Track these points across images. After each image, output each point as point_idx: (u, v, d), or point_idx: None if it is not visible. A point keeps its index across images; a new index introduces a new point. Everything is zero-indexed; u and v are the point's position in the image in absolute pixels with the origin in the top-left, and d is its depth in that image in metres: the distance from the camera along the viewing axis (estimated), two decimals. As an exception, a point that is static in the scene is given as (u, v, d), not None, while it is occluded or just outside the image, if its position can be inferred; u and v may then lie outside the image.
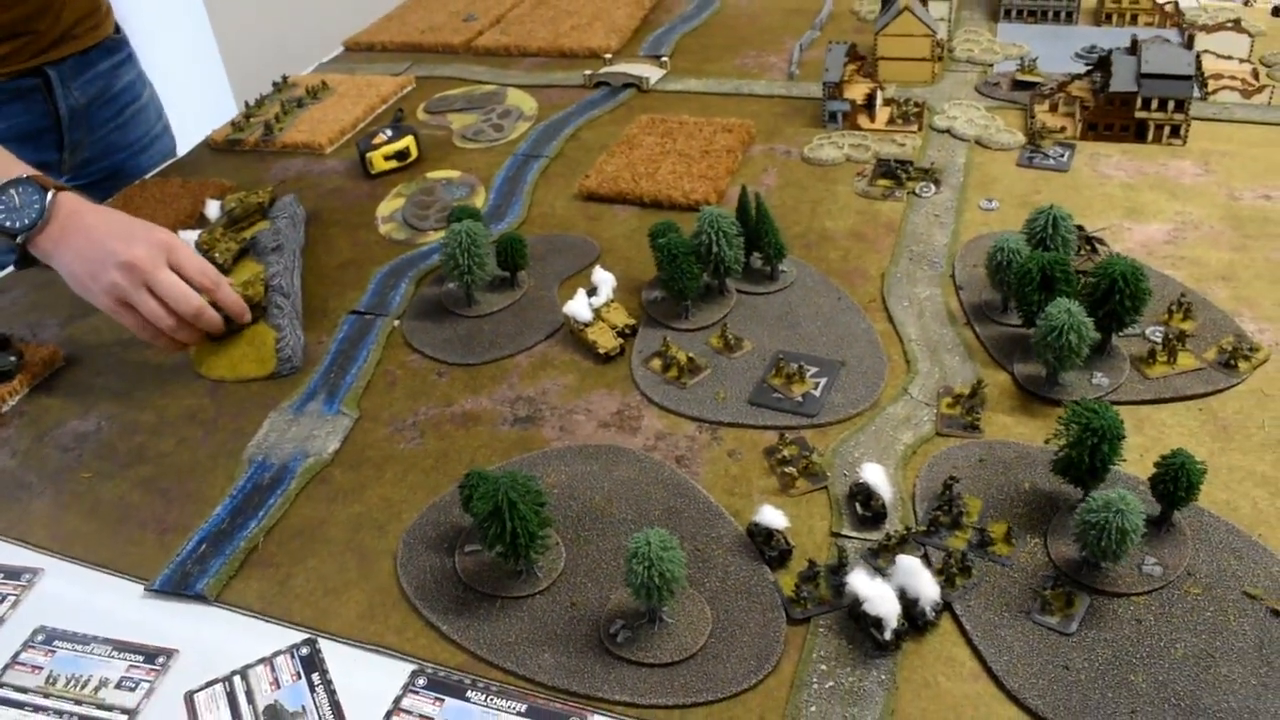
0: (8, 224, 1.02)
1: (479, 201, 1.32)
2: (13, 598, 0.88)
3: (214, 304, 1.05)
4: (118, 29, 1.58)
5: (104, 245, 1.01)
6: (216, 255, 1.16)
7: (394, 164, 1.39)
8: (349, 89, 1.61)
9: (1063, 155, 1.30)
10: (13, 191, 1.03)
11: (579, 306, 1.04)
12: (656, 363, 1.01)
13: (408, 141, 1.39)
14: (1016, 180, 1.27)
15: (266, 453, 0.97)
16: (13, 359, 1.09)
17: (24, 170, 1.05)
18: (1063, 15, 1.64)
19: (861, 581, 0.76)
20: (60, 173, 1.48)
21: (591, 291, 1.07)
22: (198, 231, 1.20)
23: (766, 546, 0.82)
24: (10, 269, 1.32)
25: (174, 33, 3.10)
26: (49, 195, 1.03)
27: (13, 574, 0.90)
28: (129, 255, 1.00)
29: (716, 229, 1.03)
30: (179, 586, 0.85)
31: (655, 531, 0.73)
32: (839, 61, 1.37)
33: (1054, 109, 1.39)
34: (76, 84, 1.46)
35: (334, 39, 1.85)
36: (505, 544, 0.77)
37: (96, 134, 1.52)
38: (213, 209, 1.26)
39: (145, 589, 0.86)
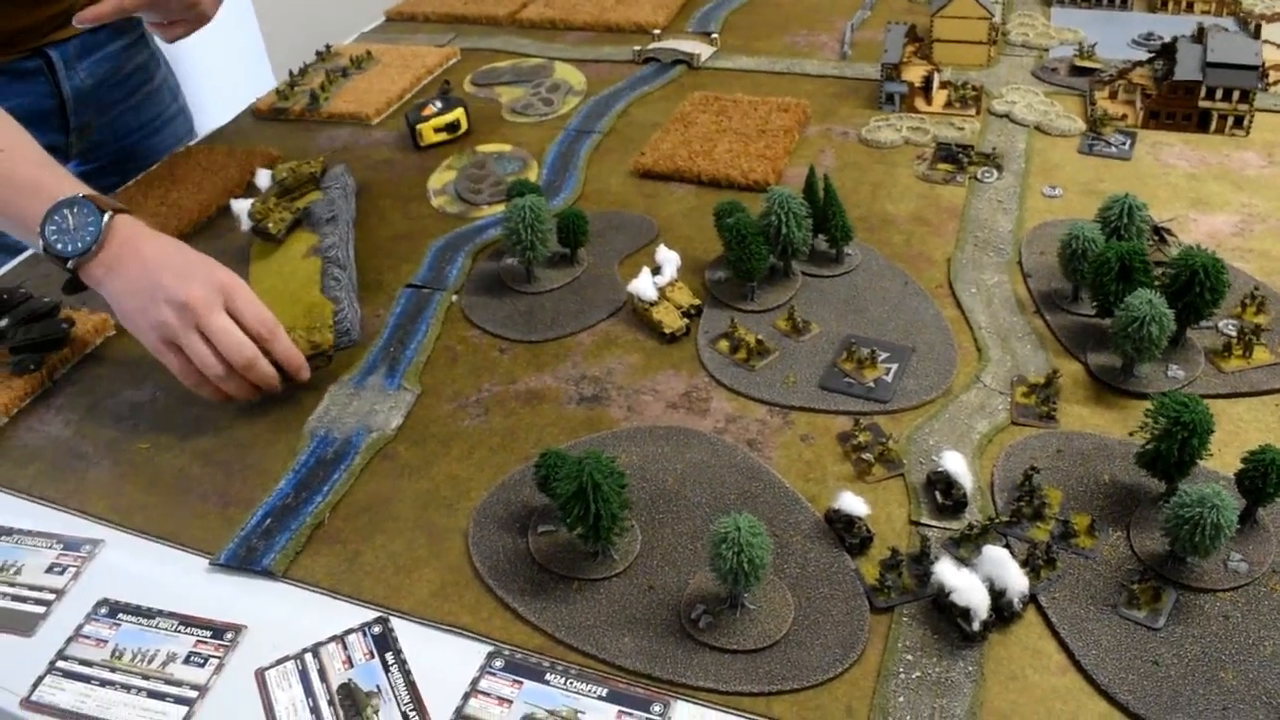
0: (59, 247, 0.95)
1: (532, 176, 1.30)
2: (74, 569, 0.87)
3: (270, 356, 0.96)
4: None
5: (158, 279, 0.93)
6: (270, 225, 1.14)
7: (444, 136, 1.37)
8: (393, 59, 1.59)
9: (1124, 143, 1.28)
10: (67, 212, 0.95)
11: (644, 285, 1.02)
12: (724, 344, 1.00)
13: (458, 114, 1.37)
14: (1079, 167, 1.25)
15: (328, 427, 0.96)
16: (64, 326, 1.07)
17: (80, 189, 0.97)
18: (1117, 1, 1.61)
19: (948, 571, 0.74)
20: (68, 156, 1.42)
21: (655, 270, 1.05)
22: (250, 200, 1.18)
23: (847, 534, 0.81)
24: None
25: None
26: (105, 218, 0.95)
27: (72, 545, 0.89)
28: (184, 294, 0.92)
29: (786, 210, 1.01)
30: (244, 561, 0.84)
31: (743, 517, 0.72)
32: (898, 42, 1.34)
33: (1113, 96, 1.37)
34: (83, 65, 1.40)
35: (375, 8, 1.83)
36: (587, 526, 0.76)
37: (106, 116, 1.45)
38: (263, 178, 1.24)
39: (210, 563, 0.85)
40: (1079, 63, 1.42)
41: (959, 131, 1.32)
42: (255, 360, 0.94)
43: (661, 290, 1.03)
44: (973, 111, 1.36)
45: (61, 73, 1.37)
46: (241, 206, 1.17)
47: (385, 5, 1.83)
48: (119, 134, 1.48)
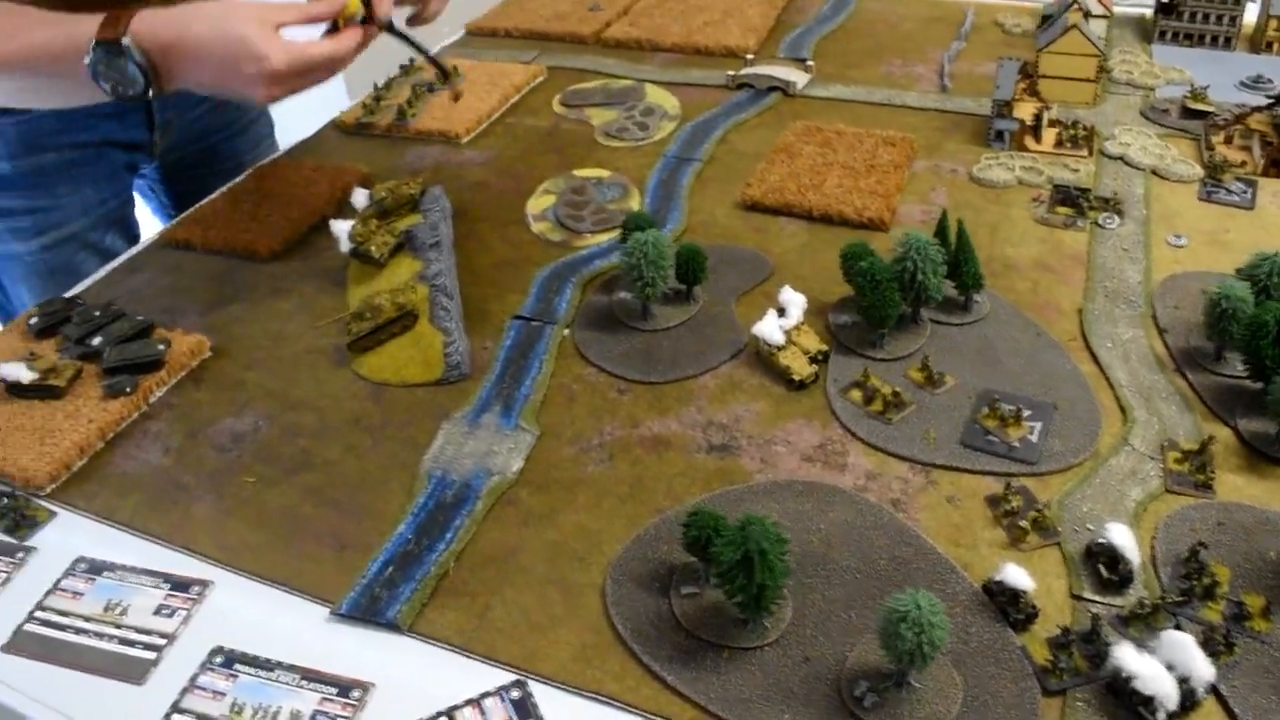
0: (125, 92, 1.00)
1: (634, 205, 1.26)
2: (183, 612, 0.82)
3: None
4: None
5: (231, 70, 0.98)
6: (373, 249, 1.10)
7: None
8: (479, 76, 1.55)
9: (1246, 191, 1.24)
10: (100, 68, 0.99)
11: (770, 329, 0.98)
12: (856, 394, 0.96)
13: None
14: (1200, 215, 1.21)
15: (445, 467, 0.91)
16: (160, 347, 1.03)
17: (89, 32, 0.99)
18: (1220, 40, 1.57)
19: (1129, 655, 0.70)
20: (152, 155, 1.39)
21: (780, 312, 1.01)
22: (350, 222, 1.14)
23: (1012, 608, 0.77)
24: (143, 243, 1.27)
25: None
26: (132, 58, 0.98)
27: (181, 585, 0.84)
28: (260, 80, 0.98)
29: (923, 255, 0.97)
30: (367, 613, 0.79)
31: (922, 594, 0.68)
32: (1011, 78, 1.30)
33: (1229, 141, 1.32)
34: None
35: (455, 21, 1.78)
36: (750, 596, 0.71)
37: (189, 114, 1.42)
38: (360, 197, 1.20)
39: (330, 612, 0.80)
40: (1191, 105, 1.38)
41: (1073, 173, 1.27)
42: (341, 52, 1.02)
43: (787, 334, 0.99)
44: (1084, 152, 1.32)
45: None
46: (341, 228, 1.13)
47: (465, 19, 1.79)
48: (202, 133, 1.45)
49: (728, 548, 0.71)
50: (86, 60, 0.99)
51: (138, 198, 1.48)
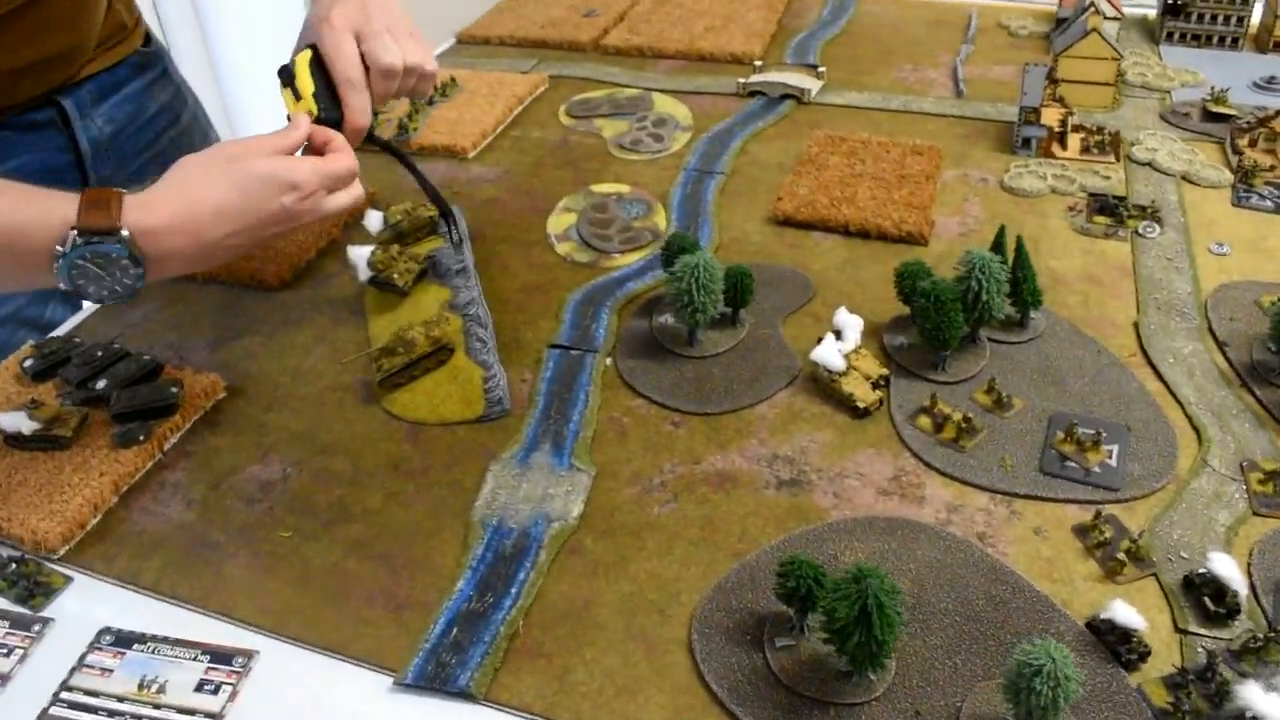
0: (104, 295, 0.81)
1: (660, 221, 1.20)
2: (229, 687, 0.75)
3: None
4: (148, 40, 1.33)
5: (258, 215, 0.85)
6: (395, 277, 1.04)
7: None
8: (479, 86, 1.48)
9: (1279, 196, 1.23)
10: (81, 262, 0.78)
11: (829, 354, 0.94)
12: (925, 420, 0.91)
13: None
14: (1237, 222, 1.19)
15: (500, 515, 0.85)
16: (174, 389, 0.96)
17: (62, 215, 0.79)
18: (1228, 41, 1.57)
19: (1256, 695, 0.67)
20: None
21: (836, 335, 0.96)
22: (368, 248, 1.07)
23: (1123, 647, 0.73)
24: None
25: (269, 21, 2.89)
26: (128, 253, 0.79)
27: (222, 657, 0.77)
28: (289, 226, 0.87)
29: (987, 274, 0.93)
30: (436, 681, 0.73)
31: (1053, 645, 0.64)
32: (1038, 84, 1.28)
33: (1253, 144, 1.31)
34: (100, 111, 1.23)
35: (441, 29, 1.71)
36: (868, 653, 0.66)
37: (129, 167, 1.27)
38: (373, 220, 1.13)
39: (394, 682, 0.74)
40: (1212, 108, 1.36)
41: (1104, 180, 1.25)
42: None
43: (846, 358, 0.95)
44: (1112, 158, 1.29)
45: (77, 123, 1.20)
46: (359, 254, 1.06)
47: (454, 26, 1.72)
48: (142, 172, 1.32)
49: (842, 602, 0.66)
50: (60, 252, 0.78)
51: None
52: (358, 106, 0.94)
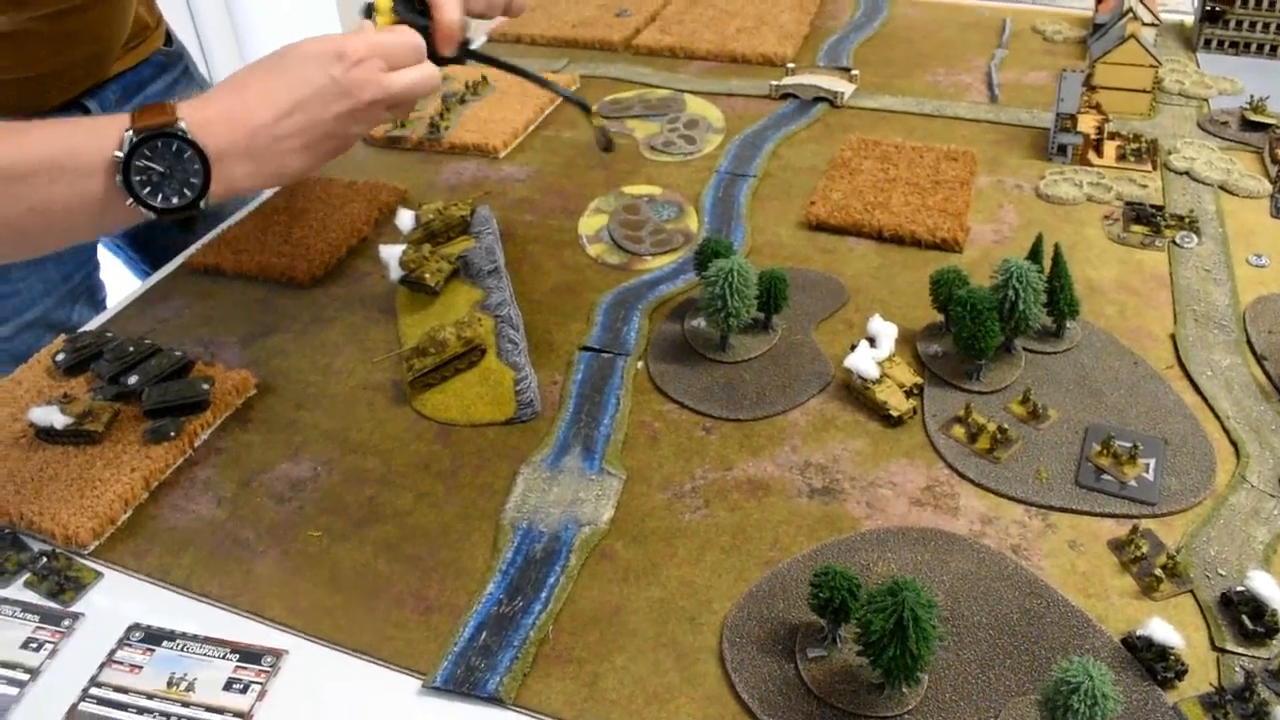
0: (172, 202, 0.77)
1: (692, 224, 1.20)
2: (257, 687, 0.75)
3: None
4: (169, 39, 1.34)
5: (307, 89, 0.79)
6: (427, 276, 1.03)
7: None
8: (510, 85, 1.48)
9: (1318, 207, 1.21)
10: (144, 163, 0.75)
11: (864, 361, 0.93)
12: (959, 430, 0.90)
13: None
14: (1277, 233, 1.17)
15: (530, 518, 0.85)
16: (205, 386, 0.96)
17: (116, 127, 0.76)
18: (1266, 49, 1.54)
19: (1296, 720, 0.66)
20: None
21: (871, 342, 0.95)
22: (400, 247, 1.07)
23: (1160, 665, 0.72)
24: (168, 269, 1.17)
25: (298, 19, 2.90)
26: (189, 146, 0.76)
27: (251, 656, 0.77)
28: (346, 103, 0.80)
29: (1024, 283, 0.92)
30: (465, 685, 0.73)
31: (1092, 663, 0.63)
32: (1075, 91, 1.26)
33: (1292, 154, 1.29)
34: (124, 111, 1.20)
35: (472, 29, 1.71)
36: (904, 667, 0.66)
37: None
38: (405, 219, 1.13)
39: (423, 685, 0.73)
40: (1252, 116, 1.35)
41: (1141, 189, 1.23)
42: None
43: (880, 366, 0.94)
44: (1148, 166, 1.28)
45: None
46: (391, 254, 1.06)
47: (487, 25, 1.72)
48: None
49: (878, 615, 0.65)
50: (119, 158, 0.75)
51: (102, 252, 1.36)
52: (447, 5, 0.86)
